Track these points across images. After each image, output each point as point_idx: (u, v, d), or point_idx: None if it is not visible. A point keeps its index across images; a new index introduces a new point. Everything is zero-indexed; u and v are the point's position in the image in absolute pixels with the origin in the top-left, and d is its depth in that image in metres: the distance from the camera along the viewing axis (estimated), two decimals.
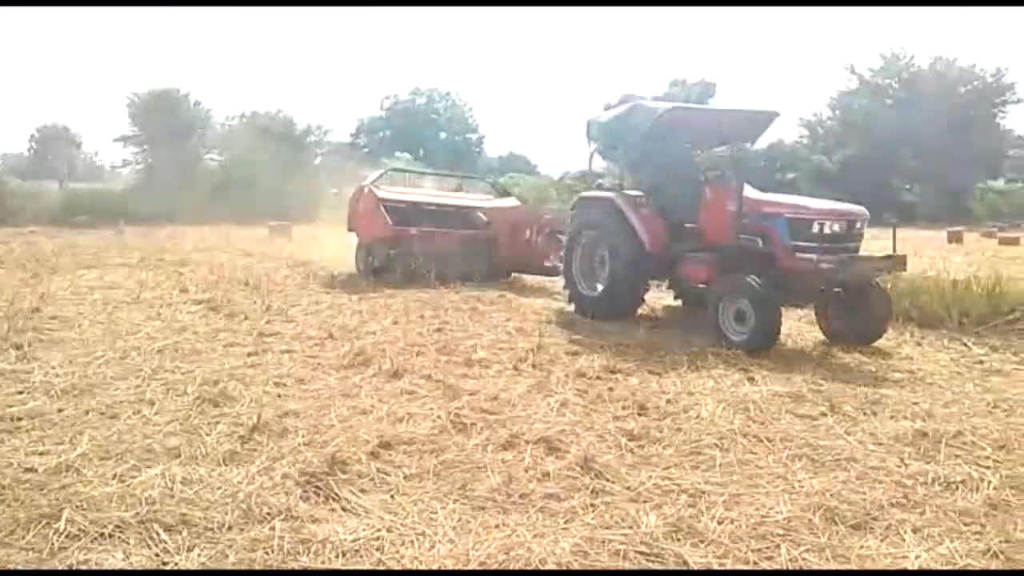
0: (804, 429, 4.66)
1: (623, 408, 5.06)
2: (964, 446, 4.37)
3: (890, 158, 45.47)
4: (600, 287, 8.73)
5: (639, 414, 4.96)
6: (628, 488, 3.69)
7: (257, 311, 8.45)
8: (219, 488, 3.51)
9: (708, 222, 8.09)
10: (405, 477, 3.76)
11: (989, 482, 3.79)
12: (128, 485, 3.49)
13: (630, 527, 3.19)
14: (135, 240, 18.73)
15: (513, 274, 12.45)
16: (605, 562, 2.88)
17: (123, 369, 5.69)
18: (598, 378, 5.90)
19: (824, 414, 4.99)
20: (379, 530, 3.12)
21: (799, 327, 8.18)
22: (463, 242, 11.93)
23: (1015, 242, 23.37)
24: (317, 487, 3.53)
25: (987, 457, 4.22)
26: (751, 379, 5.92)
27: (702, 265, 7.95)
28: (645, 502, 3.52)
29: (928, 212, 38.19)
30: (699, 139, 9.29)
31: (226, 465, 3.82)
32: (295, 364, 6.05)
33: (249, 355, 6.34)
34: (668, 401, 5.25)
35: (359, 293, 10.17)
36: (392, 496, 3.53)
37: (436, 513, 3.33)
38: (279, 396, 5.14)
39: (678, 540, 3.11)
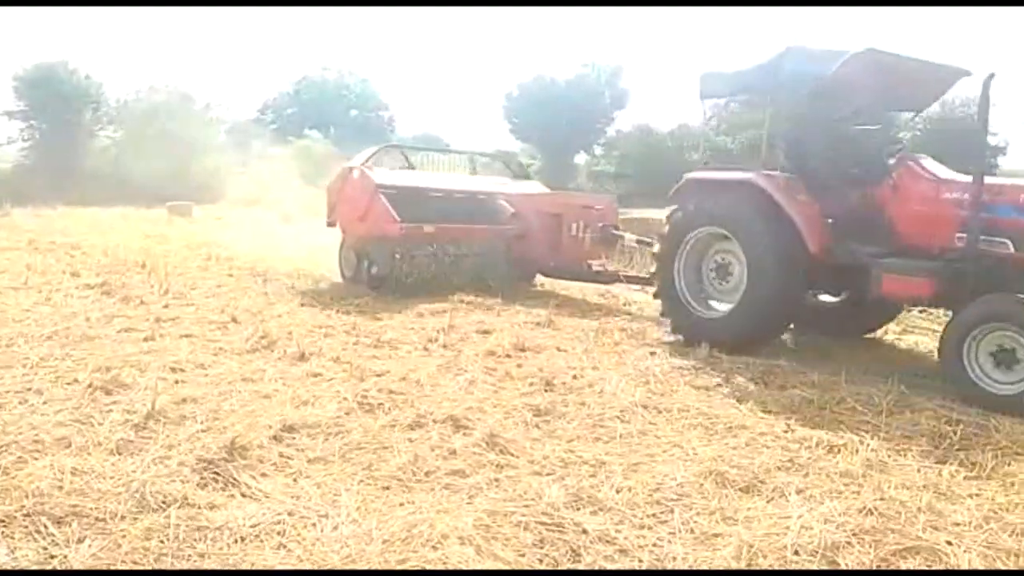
0: (700, 400, 4.86)
1: (530, 385, 5.15)
2: (846, 412, 4.67)
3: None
4: (725, 306, 6.48)
5: (546, 390, 5.05)
6: (532, 462, 3.77)
7: (154, 295, 8.11)
8: (111, 478, 3.37)
9: (906, 216, 5.90)
10: (308, 460, 3.71)
11: (868, 445, 4.06)
12: (14, 478, 3.32)
13: (532, 499, 3.27)
14: (23, 221, 17.61)
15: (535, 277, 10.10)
16: (507, 534, 2.94)
17: (8, 358, 5.37)
18: (507, 356, 5.96)
19: (719, 384, 5.23)
20: (280, 514, 3.08)
21: None
22: (487, 240, 9.37)
23: None
24: (215, 474, 3.45)
25: (867, 422, 4.52)
26: (653, 354, 6.12)
27: (918, 277, 5.57)
28: (548, 475, 3.61)
29: None
30: (878, 99, 6.76)
31: (119, 454, 3.68)
32: (194, 349, 5.85)
33: (145, 340, 6.09)
34: (574, 377, 5.37)
35: (262, 276, 9.90)
36: (295, 480, 3.49)
37: (340, 495, 3.31)
38: (176, 382, 4.96)
39: (578, 509, 3.20)
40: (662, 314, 6.90)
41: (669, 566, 2.78)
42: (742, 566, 2.76)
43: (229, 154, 29.96)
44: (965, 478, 3.68)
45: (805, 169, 6.34)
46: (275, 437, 3.93)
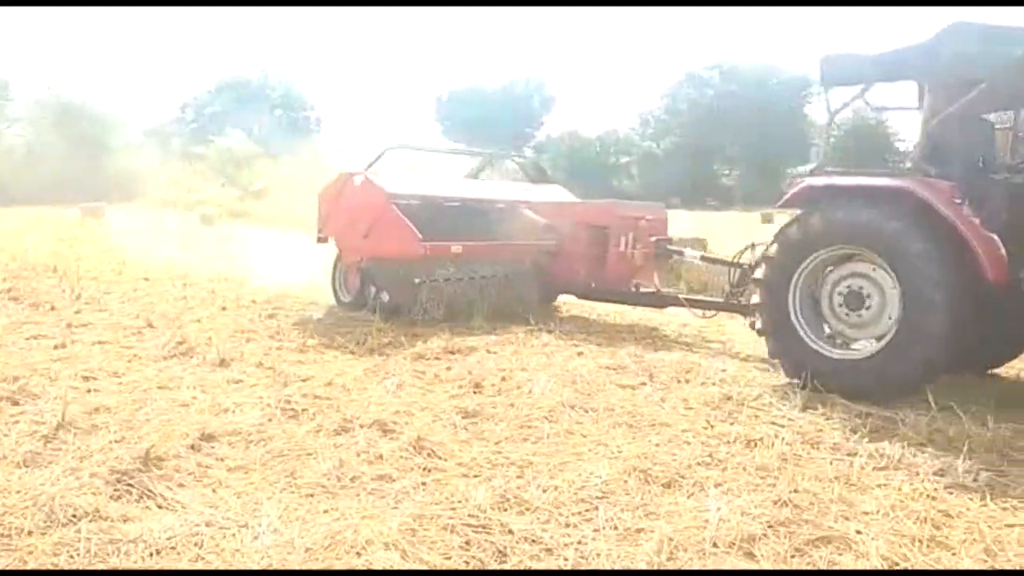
0: (625, 398, 4.95)
1: (459, 387, 5.15)
2: (763, 407, 4.83)
3: (711, 145, 48.87)
4: (863, 344, 5.28)
5: (474, 392, 5.06)
6: (460, 464, 3.77)
7: (66, 300, 7.77)
8: (18, 492, 3.20)
9: None
10: (228, 469, 3.62)
11: (783, 439, 4.20)
12: None
13: (459, 501, 3.26)
14: None
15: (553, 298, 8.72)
16: (433, 537, 2.93)
17: None
18: (436, 359, 5.95)
19: (643, 383, 5.33)
20: (197, 525, 2.98)
21: (621, 309, 8.52)
22: (518, 259, 8.03)
23: None
24: (129, 485, 3.32)
25: (783, 416, 4.69)
26: (580, 354, 6.20)
27: None
28: (476, 476, 3.61)
29: (745, 195, 41.42)
30: None
31: (27, 467, 3.50)
32: (108, 356, 5.62)
33: (56, 348, 5.82)
34: (503, 378, 5.39)
35: (182, 279, 9.58)
36: (213, 490, 3.39)
37: (261, 504, 3.23)
38: (89, 391, 4.76)
39: (505, 510, 3.22)
40: (771, 354, 5.59)
41: (593, 563, 2.82)
42: (663, 559, 2.83)
43: (146, 153, 28.86)
44: (874, 469, 3.85)
45: (957, 174, 5.16)
46: (193, 446, 3.82)
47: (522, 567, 2.80)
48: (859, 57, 5.62)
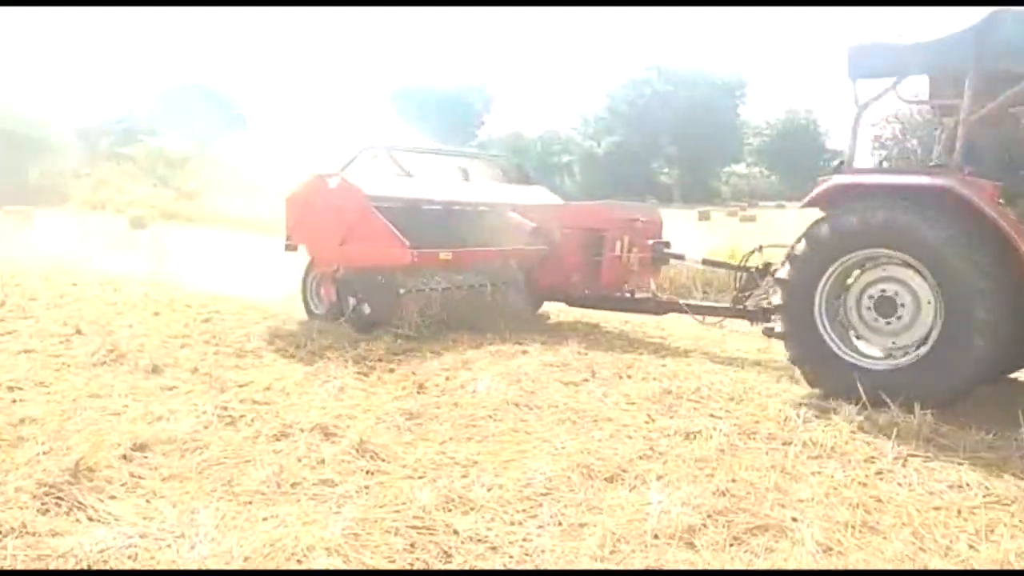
0: (568, 395, 4.98)
1: (402, 388, 5.11)
2: (702, 400, 4.91)
3: (650, 144, 49.71)
4: (895, 352, 4.94)
5: (418, 393, 5.03)
6: (404, 466, 3.74)
7: None
8: None
9: None
10: (163, 479, 3.51)
11: (721, 430, 4.29)
12: None
13: (403, 503, 3.24)
14: None
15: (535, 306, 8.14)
16: (376, 541, 2.90)
17: None
18: (379, 360, 5.89)
19: (586, 380, 5.38)
20: (131, 537, 2.89)
21: (563, 307, 8.56)
22: (508, 265, 7.60)
23: (753, 219, 26.57)
24: (58, 498, 3.19)
25: (720, 408, 4.79)
26: (524, 352, 6.20)
27: None
28: (420, 478, 3.59)
29: (682, 193, 42.25)
30: None
31: None
32: (34, 365, 5.39)
33: None
34: (447, 378, 5.38)
35: (111, 284, 9.26)
36: (147, 500, 3.28)
37: (197, 513, 3.14)
38: (14, 402, 4.57)
39: (450, 511, 3.21)
40: (792, 361, 5.27)
41: (537, 560, 2.83)
42: (606, 553, 2.86)
43: (74, 155, 27.80)
44: (808, 457, 3.97)
45: (991, 172, 4.92)
46: (125, 456, 3.69)
47: (467, 567, 2.79)
48: (892, 47, 5.23)
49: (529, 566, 2.80)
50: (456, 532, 3.00)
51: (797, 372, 5.48)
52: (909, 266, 4.81)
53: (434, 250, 6.75)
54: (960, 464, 3.86)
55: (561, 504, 3.30)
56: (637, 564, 2.80)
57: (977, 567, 2.83)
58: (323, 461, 3.74)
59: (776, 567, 2.78)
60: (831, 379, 4.99)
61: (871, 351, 5.05)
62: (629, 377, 5.45)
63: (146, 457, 3.74)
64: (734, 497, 3.41)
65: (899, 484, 3.61)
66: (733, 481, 3.59)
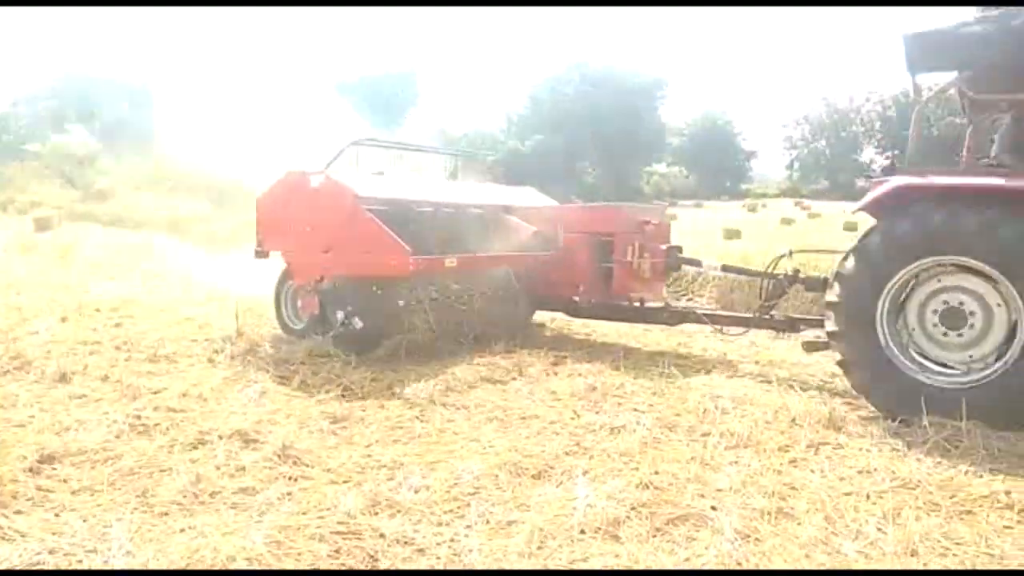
0: (496, 393, 5.00)
1: (327, 392, 5.02)
2: (625, 396, 5.02)
3: (575, 144, 50.30)
4: (964, 367, 4.62)
5: (343, 396, 4.95)
6: (328, 471, 3.68)
7: None
8: None
9: None
10: (72, 492, 3.34)
11: (644, 424, 4.39)
12: None
13: (328, 509, 3.18)
14: None
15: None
16: (300, 548, 2.84)
17: None
18: (302, 363, 5.76)
19: (514, 378, 5.41)
20: (39, 553, 2.74)
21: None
22: (509, 272, 7.07)
23: (675, 218, 27.22)
24: None
25: (643, 403, 4.89)
26: (452, 352, 6.19)
27: None
28: (345, 482, 3.53)
29: (605, 194, 42.94)
30: None
31: None
32: None
33: None
34: (373, 380, 5.32)
35: (15, 288, 8.76)
36: (56, 514, 3.12)
37: (110, 526, 3.01)
38: None
39: (376, 514, 3.17)
40: (857, 388, 4.88)
41: (465, 559, 2.83)
42: (533, 550, 2.88)
43: None
44: (726, 448, 4.10)
45: None
46: (31, 469, 3.51)
47: (393, 570, 2.77)
48: (958, 35, 4.73)
49: (457, 566, 2.79)
50: (382, 535, 2.97)
51: (713, 364, 5.65)
52: (975, 273, 4.52)
53: (438, 257, 6.03)
54: (868, 451, 4.07)
55: (489, 503, 3.31)
56: (564, 558, 2.83)
57: (885, 549, 2.97)
58: (243, 469, 3.64)
59: (697, 556, 2.86)
60: (903, 400, 4.57)
61: (944, 368, 4.67)
62: (555, 375, 5.51)
63: (54, 469, 3.55)
64: (657, 489, 3.49)
65: (812, 471, 3.76)
66: (656, 473, 3.68)
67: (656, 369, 5.56)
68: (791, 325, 6.12)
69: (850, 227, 26.72)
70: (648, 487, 3.51)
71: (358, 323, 6.02)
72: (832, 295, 4.88)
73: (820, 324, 5.37)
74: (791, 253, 6.34)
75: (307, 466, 3.71)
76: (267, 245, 6.72)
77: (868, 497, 3.46)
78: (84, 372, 5.21)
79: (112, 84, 49.87)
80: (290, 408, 4.63)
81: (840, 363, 4.94)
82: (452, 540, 2.97)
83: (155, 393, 4.78)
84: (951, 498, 3.43)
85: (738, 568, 2.79)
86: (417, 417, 4.52)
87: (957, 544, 3.02)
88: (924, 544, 3.00)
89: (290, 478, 3.56)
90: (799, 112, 76.97)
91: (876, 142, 75.72)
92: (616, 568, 2.78)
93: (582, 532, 3.04)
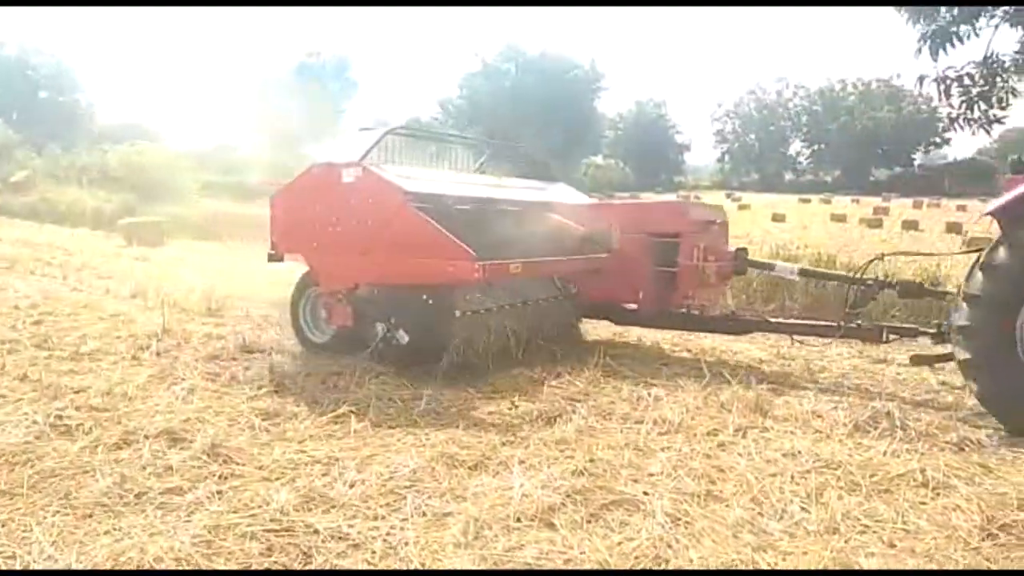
0: (435, 386, 4.98)
1: (259, 387, 4.92)
2: (563, 385, 5.07)
3: (514, 136, 50.38)
4: None
5: (275, 392, 4.86)
6: (260, 468, 3.61)
7: None
8: None
9: None
10: None
11: (580, 413, 4.45)
12: None
13: (260, 506, 3.13)
14: None
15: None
16: (231, 547, 2.78)
17: None
18: (233, 359, 5.64)
19: (455, 370, 5.39)
20: None
21: None
22: (567, 277, 6.42)
23: None
24: None
25: (580, 392, 4.95)
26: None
27: None
28: (277, 479, 3.47)
29: None
30: None
31: None
32: None
33: None
34: (307, 375, 5.24)
35: None
36: None
37: (31, 530, 2.89)
38: None
39: (309, 510, 3.13)
40: (982, 400, 4.52)
41: (401, 552, 2.82)
42: (470, 540, 2.89)
43: None
44: (658, 434, 4.19)
45: None
46: None
47: (328, 566, 2.74)
48: None
49: (392, 560, 2.79)
50: (316, 531, 2.94)
51: (647, 353, 5.75)
52: None
53: (503, 262, 5.27)
54: (793, 433, 4.22)
55: (425, 495, 3.31)
56: (500, 547, 2.85)
57: (809, 528, 3.09)
58: (171, 468, 3.54)
59: (629, 540, 2.91)
60: None
61: None
62: (496, 366, 5.52)
63: None
64: (591, 476, 3.55)
65: (739, 454, 3.88)
66: (591, 461, 3.74)
67: (592, 360, 5.63)
68: (879, 335, 5.53)
69: (779, 218, 27.66)
70: (583, 474, 3.56)
71: (403, 337, 5.33)
72: (961, 318, 4.49)
73: (911, 333, 5.34)
74: (883, 257, 5.93)
75: (238, 464, 3.63)
76: (283, 247, 6.01)
77: (792, 478, 3.59)
78: (2, 371, 4.98)
79: (26, 66, 47.53)
80: (220, 405, 4.52)
81: (964, 368, 4.57)
82: (388, 534, 2.96)
83: (77, 392, 4.60)
84: (870, 477, 3.59)
85: (738, 568, 2.79)
86: (352, 411, 4.47)
87: (876, 521, 3.16)
88: (845, 522, 3.13)
89: (220, 477, 3.48)
90: (729, 106, 78.87)
91: (802, 135, 78.39)
92: (551, 552, 2.82)
93: (518, 520, 3.06)
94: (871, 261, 5.87)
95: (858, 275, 5.78)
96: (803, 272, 6.57)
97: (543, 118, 50.13)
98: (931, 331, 5.40)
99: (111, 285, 9.16)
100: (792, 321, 6.35)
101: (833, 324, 5.74)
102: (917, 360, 5.29)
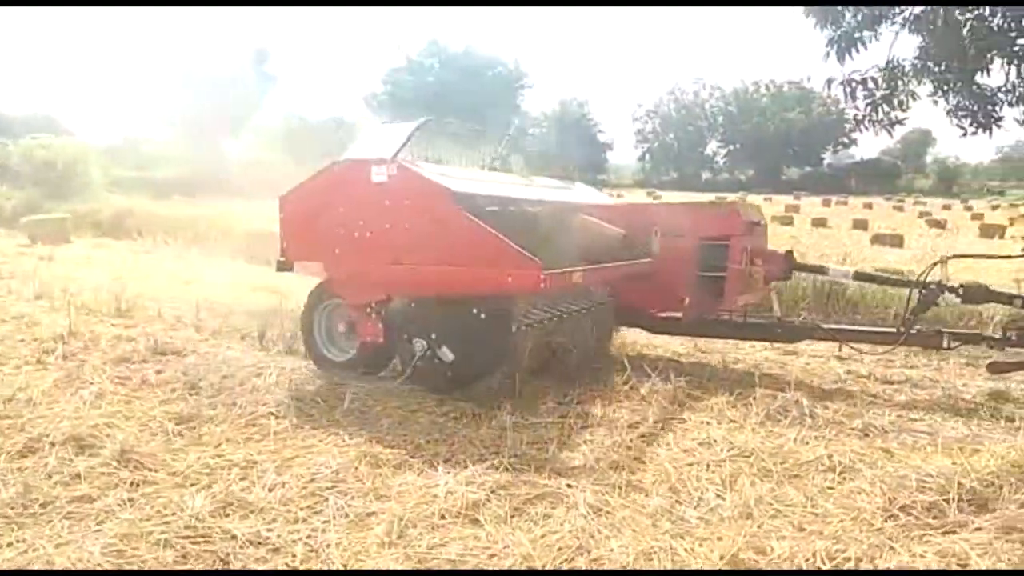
0: (361, 385, 4.91)
1: (172, 391, 4.75)
2: (491, 387, 5.05)
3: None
4: None
5: (190, 394, 4.70)
6: (174, 473, 3.49)
7: None
8: None
9: None
10: None
11: (507, 409, 4.45)
12: None
13: (174, 513, 3.03)
14: None
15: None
16: (143, 555, 2.69)
17: None
18: (144, 361, 5.42)
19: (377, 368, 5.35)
20: None
21: None
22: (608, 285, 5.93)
23: None
24: None
25: (511, 388, 4.96)
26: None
27: None
28: (192, 485, 3.37)
29: None
30: None
31: None
32: None
33: None
34: (224, 377, 5.07)
35: None
36: None
37: None
38: None
39: (227, 516, 3.05)
40: None
41: (323, 555, 2.78)
42: (394, 539, 2.88)
43: None
44: (582, 427, 4.26)
45: None
46: None
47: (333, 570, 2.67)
48: None
49: (315, 563, 2.74)
50: (234, 537, 2.87)
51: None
52: None
53: (567, 270, 4.71)
54: (708, 423, 4.36)
55: (348, 496, 3.27)
56: (424, 545, 2.85)
57: (723, 514, 3.20)
58: (79, 476, 3.39)
59: (552, 532, 2.95)
60: None
61: None
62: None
63: None
64: (516, 471, 3.58)
65: (658, 445, 3.99)
66: (516, 456, 3.77)
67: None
68: (941, 341, 5.32)
69: None
70: (508, 470, 3.59)
71: (447, 354, 4.79)
72: None
73: (976, 340, 5.24)
74: (946, 260, 5.54)
75: (150, 470, 3.50)
76: (295, 254, 5.39)
77: (708, 467, 3.71)
78: None
79: None
80: (130, 410, 4.35)
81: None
82: (309, 536, 2.91)
83: None
84: (781, 464, 3.74)
85: (738, 568, 2.81)
86: (272, 413, 4.37)
87: (787, 506, 3.30)
88: (758, 507, 3.26)
89: (131, 484, 3.35)
90: (650, 106, 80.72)
91: (719, 136, 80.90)
92: (476, 548, 2.83)
93: (442, 518, 3.07)
94: (934, 265, 5.48)
95: (922, 278, 5.43)
96: (858, 276, 6.13)
97: (467, 115, 50.14)
98: (996, 336, 5.23)
99: (13, 285, 8.67)
100: (849, 328, 5.94)
101: (891, 331, 5.53)
102: (995, 368, 5.09)
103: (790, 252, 6.12)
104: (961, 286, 5.37)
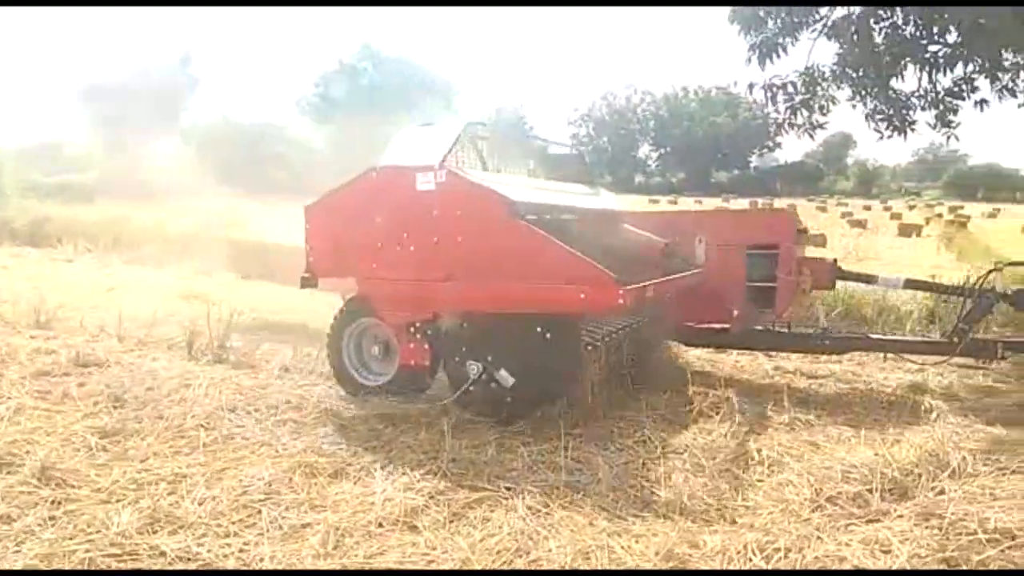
0: (294, 393, 4.82)
1: (95, 404, 4.57)
2: (435, 389, 4.97)
3: (372, 136, 49.85)
4: None
5: (115, 407, 4.53)
6: (98, 490, 3.36)
7: None
8: None
9: None
10: None
11: (451, 415, 4.37)
12: None
13: (99, 531, 2.92)
14: None
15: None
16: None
17: None
18: (65, 374, 5.20)
19: (315, 376, 5.25)
20: None
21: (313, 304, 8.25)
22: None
23: None
24: None
25: (448, 394, 4.93)
26: (246, 354, 5.87)
27: None
28: (118, 501, 3.25)
29: None
30: None
31: None
32: None
33: None
34: (149, 388, 4.90)
35: None
36: None
37: None
38: None
39: (155, 532, 2.95)
40: None
41: (257, 567, 2.72)
42: (329, 550, 2.83)
43: None
44: (520, 432, 4.26)
45: None
46: None
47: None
48: None
49: None
50: (163, 553, 2.78)
51: None
52: None
53: (643, 284, 4.29)
54: (643, 422, 4.43)
55: (282, 507, 3.20)
56: (360, 555, 2.81)
57: (658, 511, 3.26)
58: None
59: (491, 535, 2.96)
60: None
61: None
62: None
63: None
64: (456, 475, 3.58)
65: (595, 445, 4.03)
66: (454, 460, 3.76)
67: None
68: (995, 351, 5.15)
69: None
70: (448, 475, 3.58)
71: (507, 378, 4.37)
72: None
73: None
74: (1002, 267, 5.37)
75: (72, 487, 3.36)
76: (323, 270, 4.99)
77: (644, 464, 3.78)
78: None
79: None
80: (51, 425, 4.16)
81: None
82: (241, 551, 2.84)
83: None
84: (713, 459, 3.84)
85: (739, 568, 2.81)
86: (202, 425, 4.24)
87: (719, 500, 3.39)
88: (691, 502, 3.33)
89: (53, 502, 3.21)
90: (584, 110, 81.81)
91: (650, 140, 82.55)
92: (416, 554, 2.81)
93: (380, 526, 3.04)
94: (989, 272, 5.34)
95: (979, 286, 5.26)
96: (909, 284, 5.92)
97: (401, 118, 49.85)
98: None
99: None
100: (898, 338, 5.77)
101: (944, 341, 5.31)
102: None
103: (835, 260, 5.90)
104: (1015, 292, 5.22)
